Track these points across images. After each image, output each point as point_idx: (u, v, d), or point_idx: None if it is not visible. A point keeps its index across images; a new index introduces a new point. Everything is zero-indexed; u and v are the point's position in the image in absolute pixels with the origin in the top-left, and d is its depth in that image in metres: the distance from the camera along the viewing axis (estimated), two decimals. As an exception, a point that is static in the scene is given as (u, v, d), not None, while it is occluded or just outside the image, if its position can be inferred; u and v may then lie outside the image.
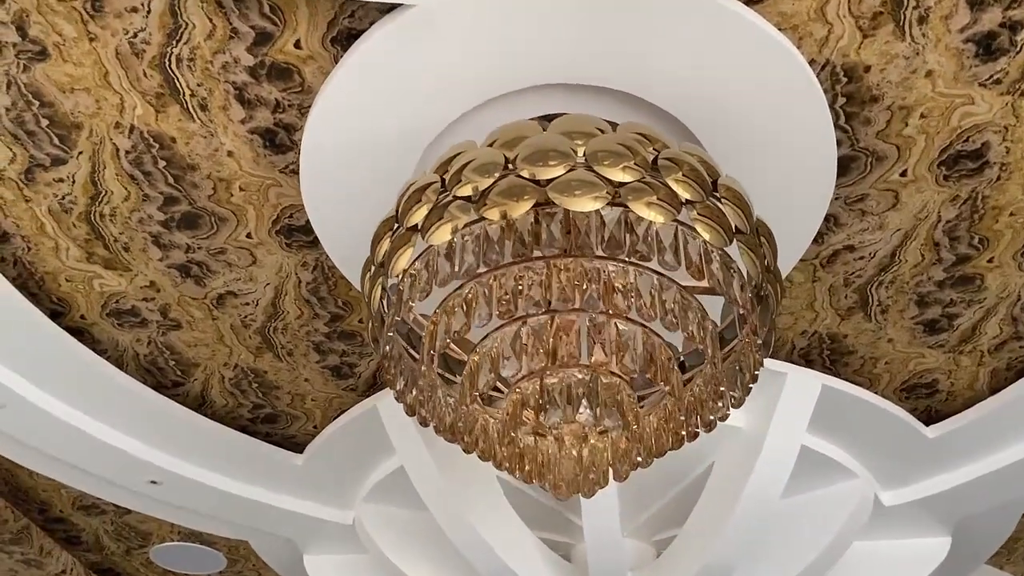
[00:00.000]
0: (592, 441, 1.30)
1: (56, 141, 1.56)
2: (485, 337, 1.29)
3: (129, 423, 2.12)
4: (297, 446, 2.33)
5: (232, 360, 2.08)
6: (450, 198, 1.22)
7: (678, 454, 1.38)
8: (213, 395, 2.18)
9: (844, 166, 1.55)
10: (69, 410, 2.04)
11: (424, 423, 1.34)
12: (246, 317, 1.95)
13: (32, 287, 1.86)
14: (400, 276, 1.27)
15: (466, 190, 1.21)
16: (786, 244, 1.53)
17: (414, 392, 1.33)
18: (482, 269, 1.25)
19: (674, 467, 2.15)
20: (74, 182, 1.63)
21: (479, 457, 1.35)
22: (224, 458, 2.25)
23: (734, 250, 1.29)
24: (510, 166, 1.20)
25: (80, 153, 1.58)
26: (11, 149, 1.57)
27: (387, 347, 1.31)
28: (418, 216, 1.24)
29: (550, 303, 1.26)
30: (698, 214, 1.24)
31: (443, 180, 1.24)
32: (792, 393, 2.00)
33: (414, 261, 1.26)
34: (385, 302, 1.31)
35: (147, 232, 1.74)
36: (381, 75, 1.37)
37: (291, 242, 1.76)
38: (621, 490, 2.11)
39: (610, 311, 1.27)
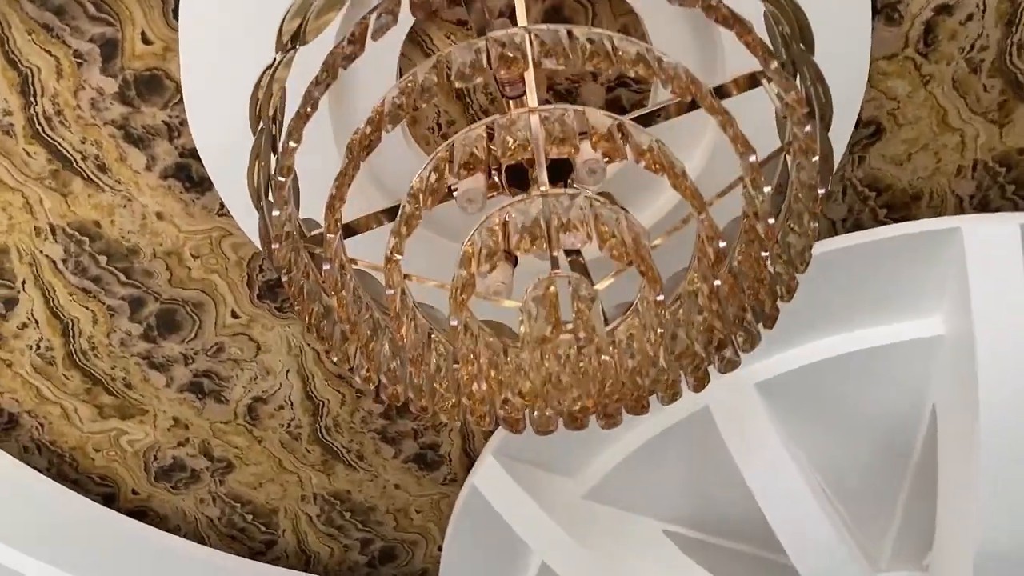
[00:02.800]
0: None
1: (-4, 278, 1.42)
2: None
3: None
4: (430, 579, 1.92)
5: (307, 490, 1.77)
6: None
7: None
8: (312, 545, 1.85)
9: None
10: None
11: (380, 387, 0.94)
12: (290, 425, 1.66)
13: (68, 472, 1.67)
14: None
15: None
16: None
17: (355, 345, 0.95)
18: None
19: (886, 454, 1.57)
20: (37, 322, 1.47)
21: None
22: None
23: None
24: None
25: (24, 282, 1.43)
26: (-38, 307, 1.45)
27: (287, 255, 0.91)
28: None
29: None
30: None
31: None
32: (979, 253, 1.41)
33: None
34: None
35: (135, 355, 1.53)
36: (227, 21, 1.14)
37: (280, 305, 1.49)
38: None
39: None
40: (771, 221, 0.94)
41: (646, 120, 1.02)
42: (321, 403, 1.63)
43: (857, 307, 1.46)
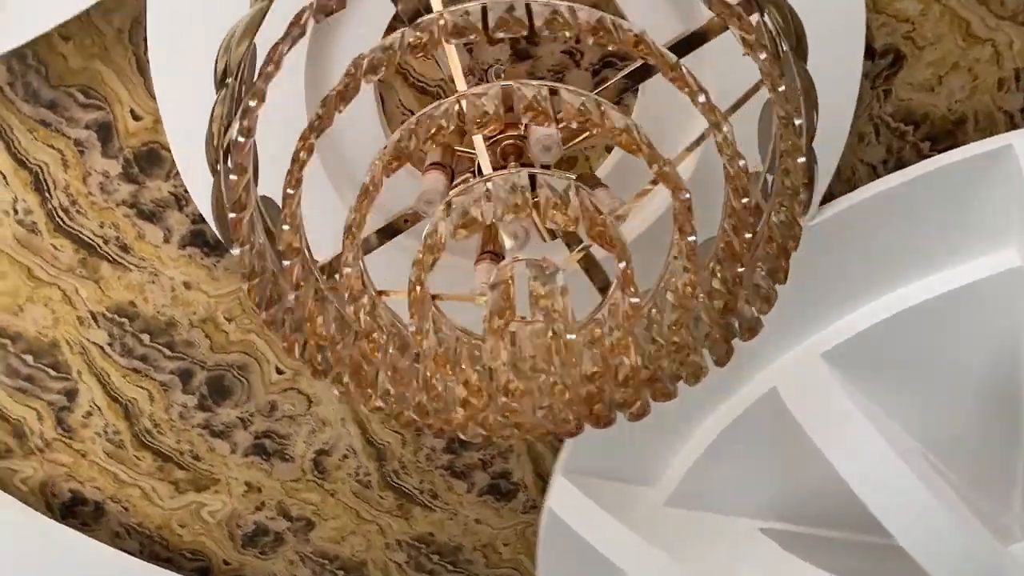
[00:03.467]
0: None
1: (53, 374, 1.47)
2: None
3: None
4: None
5: (389, 537, 1.74)
6: None
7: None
8: (409, 593, 1.82)
9: None
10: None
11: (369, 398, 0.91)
12: (359, 474, 1.64)
13: (160, 551, 1.71)
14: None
15: None
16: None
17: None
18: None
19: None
20: (99, 408, 1.52)
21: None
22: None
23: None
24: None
25: (79, 372, 1.48)
26: (29, 407, 1.51)
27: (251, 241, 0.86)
28: None
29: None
30: None
31: None
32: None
33: None
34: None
35: (196, 426, 1.56)
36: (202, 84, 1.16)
37: (321, 353, 1.49)
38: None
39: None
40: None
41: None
42: (382, 447, 1.62)
43: (916, 254, 1.33)
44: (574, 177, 0.78)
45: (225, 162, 0.83)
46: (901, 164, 1.34)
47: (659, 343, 0.90)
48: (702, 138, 0.96)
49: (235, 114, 0.80)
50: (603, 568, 1.60)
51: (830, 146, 1.25)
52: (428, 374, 0.85)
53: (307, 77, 1.12)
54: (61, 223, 1.33)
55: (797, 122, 0.84)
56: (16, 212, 1.31)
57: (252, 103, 0.79)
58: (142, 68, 1.19)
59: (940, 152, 1.32)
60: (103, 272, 1.38)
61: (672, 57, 0.79)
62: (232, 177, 0.82)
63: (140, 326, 1.44)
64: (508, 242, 0.82)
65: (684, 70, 0.79)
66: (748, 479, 1.55)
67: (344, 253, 0.82)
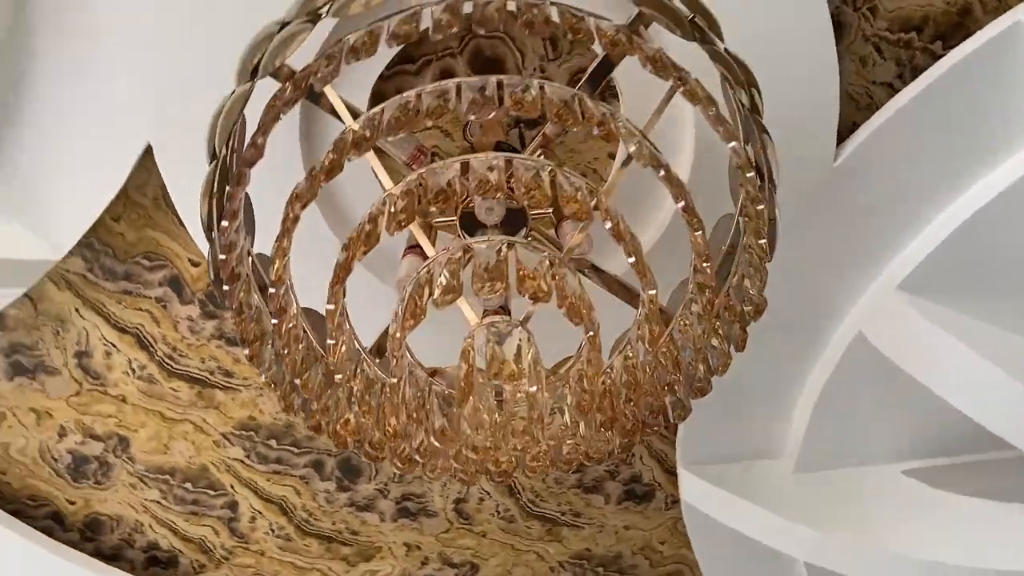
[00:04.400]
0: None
1: (212, 493, 1.67)
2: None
3: None
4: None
5: (550, 561, 1.82)
6: None
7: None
8: (588, 607, 1.89)
9: None
10: None
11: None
12: (499, 511, 1.73)
13: (354, 621, 1.87)
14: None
15: None
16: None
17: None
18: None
19: None
20: (260, 512, 1.70)
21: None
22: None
23: None
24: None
25: (232, 486, 1.66)
26: (204, 525, 1.71)
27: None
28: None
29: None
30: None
31: None
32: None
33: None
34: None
35: (343, 506, 1.70)
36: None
37: (424, 415, 1.59)
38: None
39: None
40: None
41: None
42: (512, 483, 1.69)
43: (959, 160, 1.25)
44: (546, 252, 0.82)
45: (218, 226, 0.91)
46: (917, 72, 1.27)
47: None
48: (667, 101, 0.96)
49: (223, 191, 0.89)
50: (756, 547, 1.59)
51: (820, 83, 1.21)
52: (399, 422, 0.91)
53: (301, 129, 1.19)
54: (171, 369, 1.51)
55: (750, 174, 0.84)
56: (134, 371, 1.51)
57: (235, 188, 0.88)
58: (184, 223, 1.34)
59: (955, 48, 1.24)
60: (218, 399, 1.55)
61: (637, 132, 0.82)
62: (221, 256, 0.91)
63: (265, 435, 1.60)
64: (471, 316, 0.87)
65: (648, 146, 0.82)
66: (870, 426, 1.49)
67: (329, 331, 0.89)
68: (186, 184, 1.25)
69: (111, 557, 1.75)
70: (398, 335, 0.87)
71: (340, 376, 0.92)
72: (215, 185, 0.93)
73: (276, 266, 0.89)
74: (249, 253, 0.99)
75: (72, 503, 1.67)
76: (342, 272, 0.82)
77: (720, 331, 0.91)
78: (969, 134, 1.24)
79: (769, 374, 1.48)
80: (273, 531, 1.73)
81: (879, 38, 1.25)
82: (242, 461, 1.63)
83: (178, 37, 1.11)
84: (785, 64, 1.17)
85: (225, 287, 0.91)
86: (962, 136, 1.25)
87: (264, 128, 0.85)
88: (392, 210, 0.80)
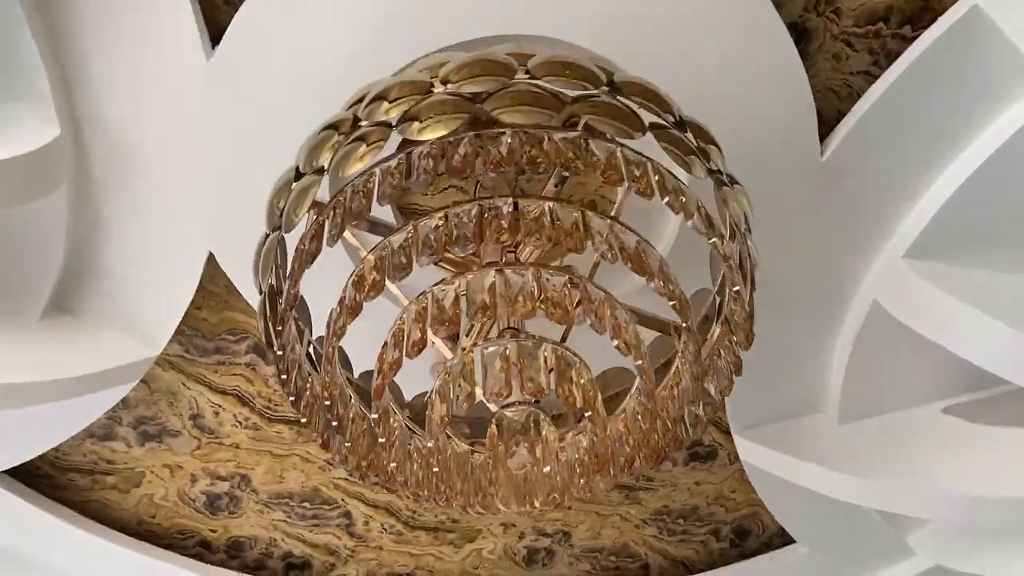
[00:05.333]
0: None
1: (327, 507, 1.91)
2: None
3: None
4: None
5: (634, 519, 2.00)
6: (360, 135, 1.00)
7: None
8: (677, 552, 2.08)
9: None
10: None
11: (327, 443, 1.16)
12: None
13: (471, 590, 2.12)
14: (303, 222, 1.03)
15: (382, 116, 1.00)
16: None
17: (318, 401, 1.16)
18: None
19: None
20: (371, 516, 1.94)
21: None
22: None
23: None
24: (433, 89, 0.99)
25: (342, 499, 1.90)
26: (328, 533, 1.97)
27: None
28: (323, 160, 1.02)
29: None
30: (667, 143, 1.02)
31: (356, 118, 1.02)
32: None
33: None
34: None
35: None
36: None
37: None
38: None
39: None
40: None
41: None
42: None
43: (949, 130, 1.31)
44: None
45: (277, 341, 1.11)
46: (892, 56, 1.32)
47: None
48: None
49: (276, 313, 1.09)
50: (816, 495, 1.72)
51: (792, 86, 1.28)
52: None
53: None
54: (271, 416, 1.74)
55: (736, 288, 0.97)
56: (240, 423, 1.74)
57: (281, 343, 1.08)
58: (252, 304, 1.54)
59: (924, 30, 1.29)
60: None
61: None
62: (283, 377, 1.12)
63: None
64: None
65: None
66: (905, 374, 1.59)
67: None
68: (247, 275, 1.44)
69: (255, 569, 2.03)
70: (436, 421, 1.04)
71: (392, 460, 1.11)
72: (268, 310, 1.11)
73: (328, 381, 1.07)
74: (308, 356, 1.18)
75: (214, 531, 1.94)
76: (377, 394, 1.00)
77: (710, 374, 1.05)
78: (949, 114, 1.30)
79: (801, 340, 1.59)
80: (385, 529, 1.97)
81: (848, 34, 1.30)
82: (346, 479, 1.86)
83: (227, 177, 1.29)
84: (756, 91, 1.26)
85: (291, 398, 1.11)
86: (944, 115, 1.30)
87: (296, 277, 1.01)
88: (409, 340, 0.97)
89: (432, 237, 0.98)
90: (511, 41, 1.15)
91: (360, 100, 1.05)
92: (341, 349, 1.15)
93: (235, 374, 1.66)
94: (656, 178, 0.98)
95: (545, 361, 1.04)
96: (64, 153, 1.22)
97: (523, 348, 1.02)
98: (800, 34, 1.29)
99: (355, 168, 0.98)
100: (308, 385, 1.16)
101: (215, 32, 1.23)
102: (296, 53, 1.21)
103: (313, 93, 1.22)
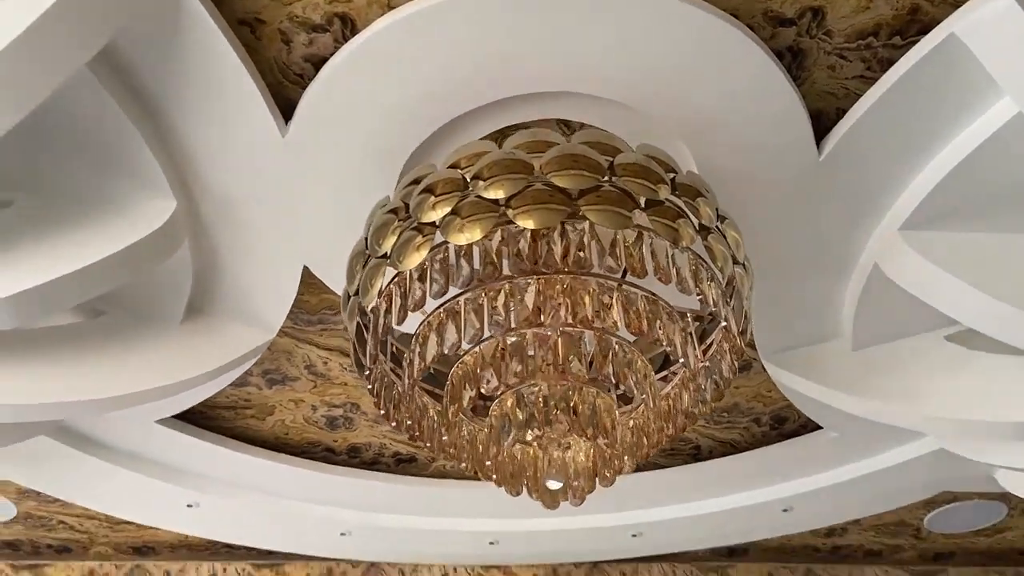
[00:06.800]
0: (572, 452, 1.32)
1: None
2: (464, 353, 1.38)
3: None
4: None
5: (684, 415, 2.33)
6: (415, 225, 1.26)
7: None
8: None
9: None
10: None
11: (417, 439, 1.48)
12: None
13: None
14: (375, 302, 1.35)
15: (430, 216, 1.25)
16: None
17: (403, 411, 1.47)
18: (452, 292, 1.30)
19: None
20: (460, 424, 2.33)
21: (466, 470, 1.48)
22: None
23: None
24: (469, 187, 1.24)
25: (436, 415, 2.29)
26: (425, 437, 2.37)
27: (374, 370, 1.40)
28: (387, 246, 1.29)
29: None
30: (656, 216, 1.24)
31: (407, 206, 1.29)
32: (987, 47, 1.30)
33: (388, 285, 1.34)
34: (365, 325, 1.40)
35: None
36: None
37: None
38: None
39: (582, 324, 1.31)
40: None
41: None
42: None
43: (933, 130, 1.45)
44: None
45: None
46: (884, 63, 1.44)
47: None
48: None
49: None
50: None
51: (785, 113, 1.44)
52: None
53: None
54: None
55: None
56: (346, 369, 2.11)
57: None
58: (345, 288, 1.85)
59: (913, 38, 1.40)
60: (407, 372, 2.13)
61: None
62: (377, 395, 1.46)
63: (447, 384, 2.18)
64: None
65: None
66: (909, 308, 1.78)
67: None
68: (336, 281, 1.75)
69: (371, 464, 2.48)
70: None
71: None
72: (356, 347, 1.43)
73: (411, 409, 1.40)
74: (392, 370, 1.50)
75: (335, 441, 2.38)
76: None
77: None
78: (938, 111, 1.44)
79: (815, 286, 1.82)
80: (474, 432, 2.36)
81: (840, 50, 1.43)
82: (437, 401, 2.23)
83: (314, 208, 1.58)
84: (753, 112, 1.42)
85: (382, 412, 1.44)
86: (933, 112, 1.44)
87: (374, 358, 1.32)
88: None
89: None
90: (529, 129, 1.35)
91: (414, 182, 1.30)
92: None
93: (336, 336, 2.01)
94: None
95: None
96: (182, 216, 1.52)
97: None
98: (795, 55, 1.43)
99: (414, 261, 1.25)
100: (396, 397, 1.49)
101: (286, 107, 1.47)
102: (359, 121, 1.44)
103: (380, 153, 1.47)
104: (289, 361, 2.09)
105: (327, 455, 2.43)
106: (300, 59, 1.41)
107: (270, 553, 2.87)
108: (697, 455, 2.48)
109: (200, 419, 2.25)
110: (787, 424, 2.38)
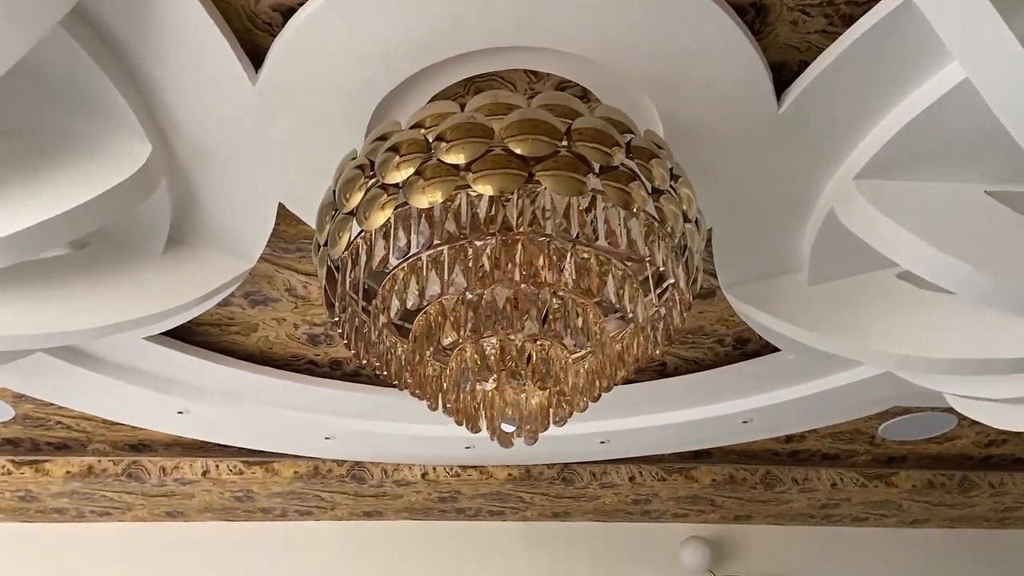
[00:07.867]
0: (526, 395, 1.41)
1: (402, 337, 2.41)
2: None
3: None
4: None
5: (651, 336, 2.43)
6: (380, 184, 1.32)
7: None
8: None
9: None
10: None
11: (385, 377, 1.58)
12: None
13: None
14: (342, 254, 1.42)
15: (394, 177, 1.30)
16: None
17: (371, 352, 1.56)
18: (415, 249, 1.35)
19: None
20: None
21: (428, 407, 1.59)
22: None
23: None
24: (432, 149, 1.29)
25: (413, 333, 2.39)
26: (404, 352, 2.48)
27: (342, 312, 1.50)
28: (354, 202, 1.36)
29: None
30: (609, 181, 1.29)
31: (372, 163, 1.34)
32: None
33: (355, 239, 1.40)
34: (336, 269, 1.48)
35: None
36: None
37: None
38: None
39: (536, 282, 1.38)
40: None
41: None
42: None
43: (896, 82, 1.48)
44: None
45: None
46: (846, 19, 1.46)
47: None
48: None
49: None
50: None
51: (743, 65, 1.47)
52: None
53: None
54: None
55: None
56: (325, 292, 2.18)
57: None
58: (321, 220, 1.90)
59: (876, -2, 1.42)
60: (385, 294, 2.21)
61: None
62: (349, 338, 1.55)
63: (423, 306, 2.27)
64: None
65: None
66: (864, 246, 1.84)
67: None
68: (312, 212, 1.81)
69: (352, 376, 2.60)
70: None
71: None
72: (327, 290, 1.51)
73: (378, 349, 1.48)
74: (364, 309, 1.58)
75: (317, 355, 2.49)
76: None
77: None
78: (897, 62, 1.47)
79: (775, 222, 1.88)
80: (450, 349, 2.47)
81: (803, 6, 1.45)
82: (414, 320, 2.33)
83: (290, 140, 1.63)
84: (709, 64, 1.46)
85: (352, 352, 1.53)
86: (898, 61, 1.47)
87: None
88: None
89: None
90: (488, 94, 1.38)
91: (380, 139, 1.35)
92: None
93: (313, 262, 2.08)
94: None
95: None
96: (158, 160, 1.56)
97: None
98: (759, 10, 1.45)
99: (379, 220, 1.31)
100: (365, 332, 1.58)
101: (256, 55, 1.49)
102: (330, 70, 1.47)
103: (351, 101, 1.50)
104: (270, 284, 2.16)
105: (310, 367, 2.55)
106: (268, 8, 1.43)
107: (259, 452, 3.03)
108: (663, 371, 2.61)
109: (187, 334, 2.35)
110: (749, 345, 2.49)
